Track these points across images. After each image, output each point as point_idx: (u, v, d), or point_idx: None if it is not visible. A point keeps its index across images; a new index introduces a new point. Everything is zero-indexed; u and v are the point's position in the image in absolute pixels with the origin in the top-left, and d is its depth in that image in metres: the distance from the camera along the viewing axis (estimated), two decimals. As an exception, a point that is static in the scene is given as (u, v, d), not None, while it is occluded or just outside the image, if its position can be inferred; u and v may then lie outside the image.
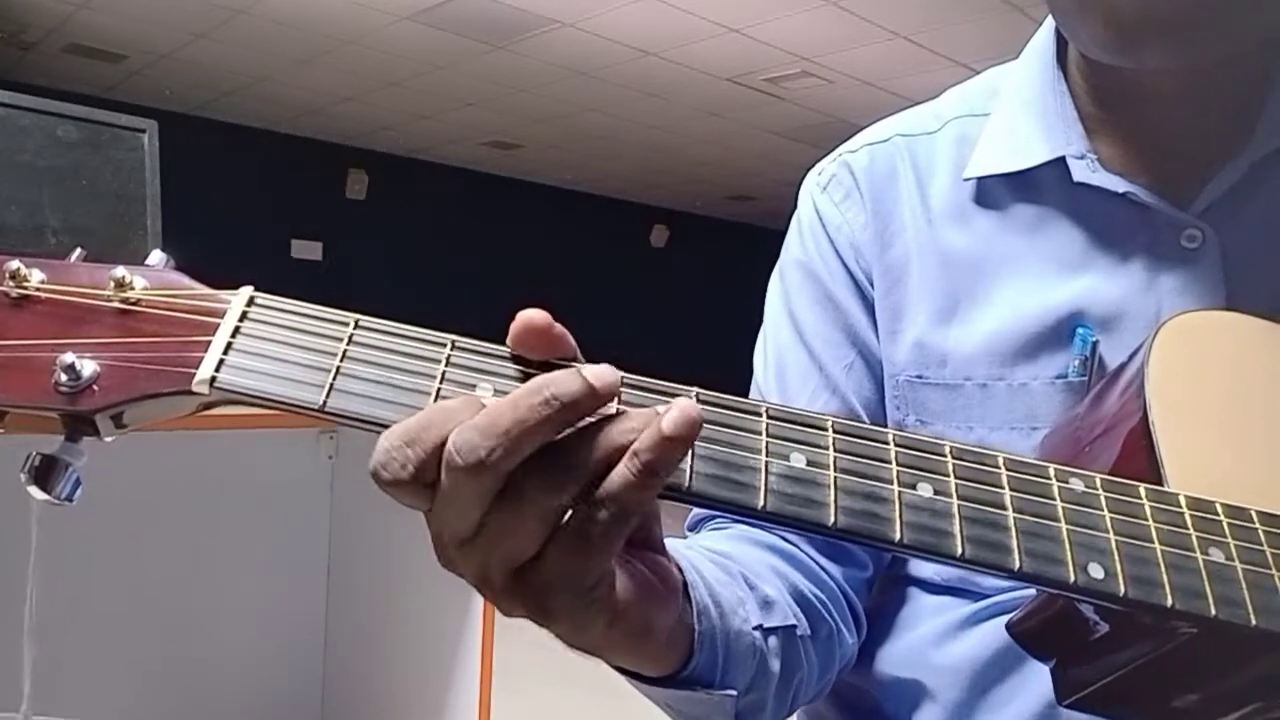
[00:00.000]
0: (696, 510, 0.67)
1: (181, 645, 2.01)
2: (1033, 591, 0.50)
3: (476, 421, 0.35)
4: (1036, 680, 0.59)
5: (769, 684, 0.55)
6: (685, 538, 0.65)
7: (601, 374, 0.37)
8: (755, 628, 0.54)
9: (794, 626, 0.58)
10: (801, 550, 0.65)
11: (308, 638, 2.21)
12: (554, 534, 0.37)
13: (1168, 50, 0.54)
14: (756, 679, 0.53)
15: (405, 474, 0.36)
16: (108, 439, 0.40)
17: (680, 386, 0.41)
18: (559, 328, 0.40)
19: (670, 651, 0.47)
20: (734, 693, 0.51)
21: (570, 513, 0.37)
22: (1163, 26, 0.53)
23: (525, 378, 0.39)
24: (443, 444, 0.36)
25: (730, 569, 0.56)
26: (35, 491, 0.38)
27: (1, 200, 1.29)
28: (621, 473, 0.36)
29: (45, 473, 0.38)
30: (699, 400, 0.41)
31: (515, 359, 0.40)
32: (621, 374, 0.40)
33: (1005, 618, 0.52)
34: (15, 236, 1.30)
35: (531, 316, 0.39)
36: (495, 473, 0.35)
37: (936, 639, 0.64)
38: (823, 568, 0.65)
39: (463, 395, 0.39)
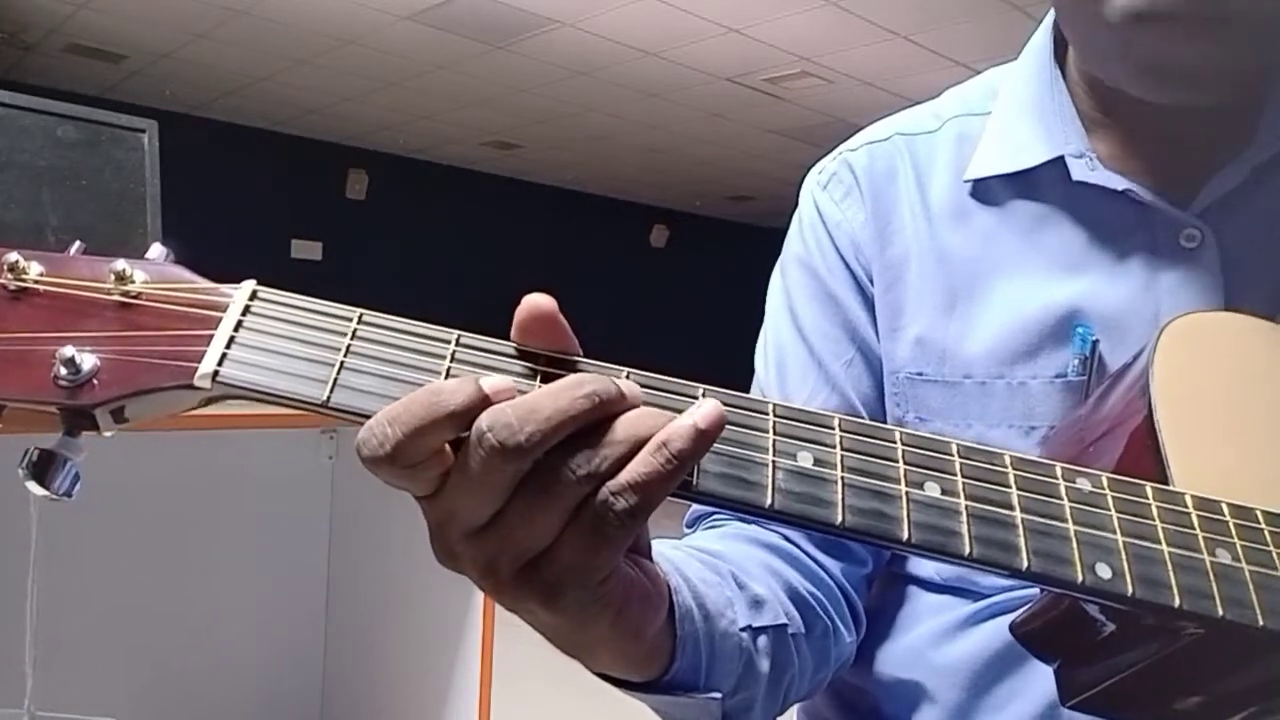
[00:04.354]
0: (695, 507, 0.67)
1: (181, 645, 2.01)
2: (1031, 592, 0.49)
3: (513, 406, 0.35)
4: (1036, 681, 0.59)
5: (757, 684, 0.54)
6: (682, 536, 0.65)
7: (630, 386, 0.38)
8: (743, 629, 0.54)
9: (785, 625, 0.57)
10: (799, 547, 0.65)
11: (308, 638, 2.21)
12: (569, 526, 0.36)
13: (1189, 91, 0.56)
14: (743, 680, 0.53)
15: (383, 451, 0.35)
16: (107, 434, 0.39)
17: (689, 383, 0.40)
18: (562, 319, 0.40)
19: (654, 656, 0.47)
20: (718, 695, 0.50)
21: (587, 504, 0.36)
22: (1184, 74, 0.55)
23: (531, 373, 0.39)
24: (428, 424, 0.35)
25: (720, 569, 0.56)
26: (34, 487, 0.38)
27: (1, 200, 1.29)
28: (649, 460, 0.36)
29: (44, 468, 0.38)
30: (706, 397, 0.40)
31: (520, 354, 0.40)
32: (630, 370, 0.40)
33: (1005, 618, 0.52)
34: (15, 236, 1.30)
35: (538, 301, 0.39)
36: (527, 457, 0.35)
37: (936, 639, 0.64)
38: (821, 564, 0.65)
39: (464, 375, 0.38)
